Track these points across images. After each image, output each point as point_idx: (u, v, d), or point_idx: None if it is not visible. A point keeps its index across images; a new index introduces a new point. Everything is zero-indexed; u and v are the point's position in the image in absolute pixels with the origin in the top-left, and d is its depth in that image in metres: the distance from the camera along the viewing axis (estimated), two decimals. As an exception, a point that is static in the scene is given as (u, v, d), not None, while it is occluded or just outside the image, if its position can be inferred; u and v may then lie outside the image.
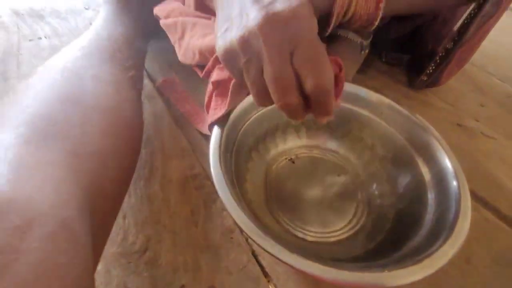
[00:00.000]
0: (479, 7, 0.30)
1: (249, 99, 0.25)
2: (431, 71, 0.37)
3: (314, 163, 0.29)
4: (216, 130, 0.23)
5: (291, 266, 0.16)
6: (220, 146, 0.22)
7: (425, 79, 0.38)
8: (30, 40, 0.41)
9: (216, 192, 0.25)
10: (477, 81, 0.42)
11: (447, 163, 0.22)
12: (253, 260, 0.23)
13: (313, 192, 0.27)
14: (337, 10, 0.25)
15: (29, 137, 0.14)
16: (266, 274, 0.22)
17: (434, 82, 0.38)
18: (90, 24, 0.46)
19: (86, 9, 0.49)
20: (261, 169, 0.28)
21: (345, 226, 0.25)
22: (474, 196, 0.28)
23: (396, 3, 0.28)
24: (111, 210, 0.18)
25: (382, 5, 0.26)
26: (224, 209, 0.26)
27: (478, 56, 0.42)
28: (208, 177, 0.28)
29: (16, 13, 0.45)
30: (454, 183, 0.21)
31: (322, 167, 0.29)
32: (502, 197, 0.28)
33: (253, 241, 0.17)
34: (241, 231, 0.24)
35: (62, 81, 0.19)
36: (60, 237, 0.11)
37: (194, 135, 0.32)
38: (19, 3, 0.47)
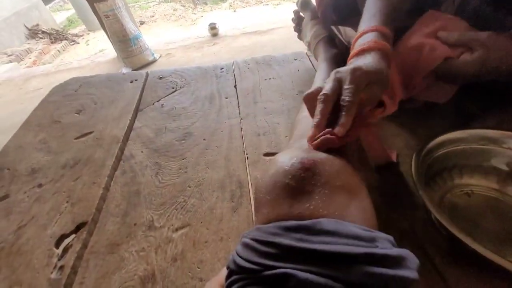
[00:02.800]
0: None
1: (448, 136, 0.34)
2: None
3: (490, 201, 0.34)
4: (415, 157, 0.33)
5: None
6: (418, 169, 0.32)
7: None
8: (265, 80, 0.65)
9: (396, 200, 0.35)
10: None
11: None
12: None
13: (488, 225, 0.32)
14: None
15: None
16: None
17: None
18: (298, 70, 0.68)
19: (295, 59, 0.71)
20: (438, 193, 0.36)
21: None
22: None
23: None
24: None
25: None
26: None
27: None
28: (388, 189, 0.39)
29: (257, 62, 0.72)
30: None
31: (499, 207, 0.33)
32: None
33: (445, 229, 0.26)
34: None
35: None
36: None
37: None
38: (257, 57, 0.75)
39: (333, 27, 0.57)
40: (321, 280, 0.14)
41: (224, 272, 0.20)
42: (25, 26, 4.35)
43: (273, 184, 0.21)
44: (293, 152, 0.23)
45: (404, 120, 0.49)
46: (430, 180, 0.36)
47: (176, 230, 0.38)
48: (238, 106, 0.59)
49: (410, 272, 0.16)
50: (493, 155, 0.35)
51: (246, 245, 0.18)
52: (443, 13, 0.41)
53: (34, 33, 4.34)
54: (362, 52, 0.32)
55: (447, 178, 0.37)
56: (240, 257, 0.18)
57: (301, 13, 0.66)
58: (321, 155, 0.22)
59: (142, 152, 0.51)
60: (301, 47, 0.76)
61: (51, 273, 0.35)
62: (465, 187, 0.36)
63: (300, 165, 0.21)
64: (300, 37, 0.66)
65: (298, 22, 0.66)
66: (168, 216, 0.40)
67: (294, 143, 0.32)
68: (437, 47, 0.36)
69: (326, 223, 0.17)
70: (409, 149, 0.44)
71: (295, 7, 0.68)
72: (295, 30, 0.67)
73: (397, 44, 0.41)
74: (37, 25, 4.49)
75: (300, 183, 0.20)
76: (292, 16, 0.68)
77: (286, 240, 0.17)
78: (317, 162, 0.21)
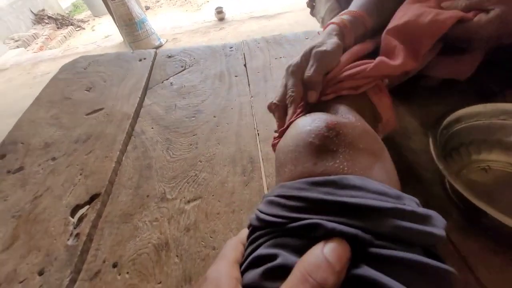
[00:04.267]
0: None
1: (467, 110, 0.33)
2: None
3: (507, 176, 0.33)
4: (432, 130, 0.32)
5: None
6: (436, 141, 0.31)
7: None
8: (275, 58, 0.64)
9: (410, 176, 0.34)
10: None
11: None
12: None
13: (505, 199, 0.32)
14: None
15: None
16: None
17: None
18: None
19: (306, 38, 0.69)
20: (454, 169, 0.35)
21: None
22: None
23: None
24: None
25: None
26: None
27: None
28: (401, 165, 0.38)
29: (267, 41, 0.70)
30: None
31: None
32: None
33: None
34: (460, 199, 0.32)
35: None
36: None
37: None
38: (268, 36, 0.73)
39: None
40: (351, 230, 0.14)
41: (244, 232, 0.20)
42: (31, 11, 4.33)
43: (296, 143, 0.21)
44: (315, 114, 0.22)
45: (419, 98, 0.47)
46: (446, 155, 0.35)
47: (188, 202, 0.38)
48: (248, 85, 0.58)
49: (437, 229, 0.16)
50: (514, 130, 0.34)
51: (271, 202, 0.18)
52: None
53: (40, 18, 4.33)
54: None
55: (463, 154, 0.36)
56: (264, 213, 0.18)
57: (314, -11, 0.64)
58: (344, 119, 0.22)
59: (152, 128, 0.51)
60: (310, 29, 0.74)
61: (68, 240, 0.35)
62: (483, 163, 0.35)
63: (324, 124, 0.20)
64: (313, 13, 0.64)
65: (311, -2, 0.64)
66: (180, 189, 0.40)
67: None
68: (444, 12, 0.33)
69: (353, 178, 0.17)
70: (424, 127, 0.43)
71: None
72: (308, 6, 0.64)
73: (391, 21, 0.37)
74: (43, 10, 4.47)
75: (324, 142, 0.19)
76: (305, -8, 0.65)
77: (313, 194, 0.16)
78: (340, 124, 0.20)
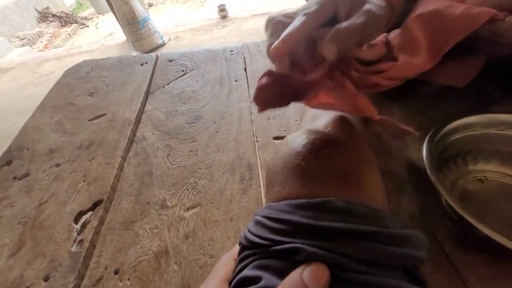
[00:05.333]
0: None
1: (465, 120, 0.33)
2: None
3: (504, 187, 0.34)
4: (428, 140, 0.33)
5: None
6: (431, 153, 0.32)
7: None
8: (275, 62, 0.64)
9: (406, 184, 0.34)
10: None
11: None
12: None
13: (500, 211, 0.32)
14: None
15: None
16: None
17: None
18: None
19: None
20: (449, 178, 0.35)
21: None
22: None
23: None
24: None
25: None
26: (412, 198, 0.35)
27: None
28: (398, 173, 0.38)
29: (267, 45, 0.71)
30: None
31: (513, 194, 0.33)
32: None
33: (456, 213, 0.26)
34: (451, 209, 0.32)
35: None
36: None
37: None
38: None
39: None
40: (331, 255, 0.15)
41: (237, 248, 0.21)
42: (36, 9, 4.36)
43: (284, 164, 0.21)
44: (304, 133, 0.23)
45: (418, 104, 0.47)
46: (442, 165, 0.36)
47: (188, 209, 0.39)
48: (248, 89, 0.58)
49: (418, 252, 0.16)
50: (512, 140, 0.34)
51: (258, 222, 0.19)
52: None
53: (44, 16, 4.36)
54: None
55: (460, 164, 0.36)
56: (252, 233, 0.19)
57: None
58: (333, 137, 0.22)
59: (153, 134, 0.52)
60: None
61: (72, 246, 0.37)
62: (479, 173, 0.35)
63: (311, 146, 0.21)
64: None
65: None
66: (180, 196, 0.41)
67: (305, 125, 0.32)
68: (475, 6, 0.28)
69: (336, 202, 0.17)
70: (423, 134, 0.43)
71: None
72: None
73: (415, 9, 0.32)
74: (47, 8, 4.50)
75: (311, 164, 0.20)
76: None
77: (295, 217, 0.17)
78: (330, 145, 0.21)
